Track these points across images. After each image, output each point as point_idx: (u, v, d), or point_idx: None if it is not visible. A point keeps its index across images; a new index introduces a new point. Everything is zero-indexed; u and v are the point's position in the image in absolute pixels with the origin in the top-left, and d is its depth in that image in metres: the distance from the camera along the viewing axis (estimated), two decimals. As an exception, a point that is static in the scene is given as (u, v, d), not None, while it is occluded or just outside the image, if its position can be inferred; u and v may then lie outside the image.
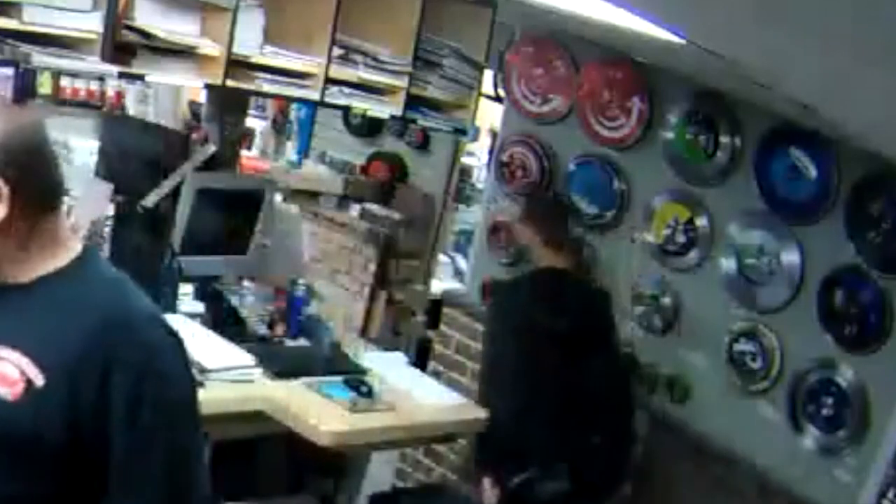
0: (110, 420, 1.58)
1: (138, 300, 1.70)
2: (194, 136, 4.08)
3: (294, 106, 6.92)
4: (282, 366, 3.40)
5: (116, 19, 2.93)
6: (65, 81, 5.60)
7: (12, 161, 1.59)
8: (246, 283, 3.92)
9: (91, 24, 2.88)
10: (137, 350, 1.61)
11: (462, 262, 6.32)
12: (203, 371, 3.12)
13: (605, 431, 3.87)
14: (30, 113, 1.93)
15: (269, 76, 3.44)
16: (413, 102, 3.94)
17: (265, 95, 4.19)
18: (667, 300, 4.23)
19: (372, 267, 5.78)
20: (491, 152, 5.34)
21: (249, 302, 3.81)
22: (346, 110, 5.03)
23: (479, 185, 6.79)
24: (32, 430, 1.57)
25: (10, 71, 5.00)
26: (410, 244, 5.93)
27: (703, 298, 4.14)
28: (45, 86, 5.62)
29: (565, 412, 3.79)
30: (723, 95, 3.99)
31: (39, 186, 1.64)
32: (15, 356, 1.59)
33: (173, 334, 1.69)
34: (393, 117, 4.00)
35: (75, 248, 1.69)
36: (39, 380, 1.57)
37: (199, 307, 3.55)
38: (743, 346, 3.99)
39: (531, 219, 4.06)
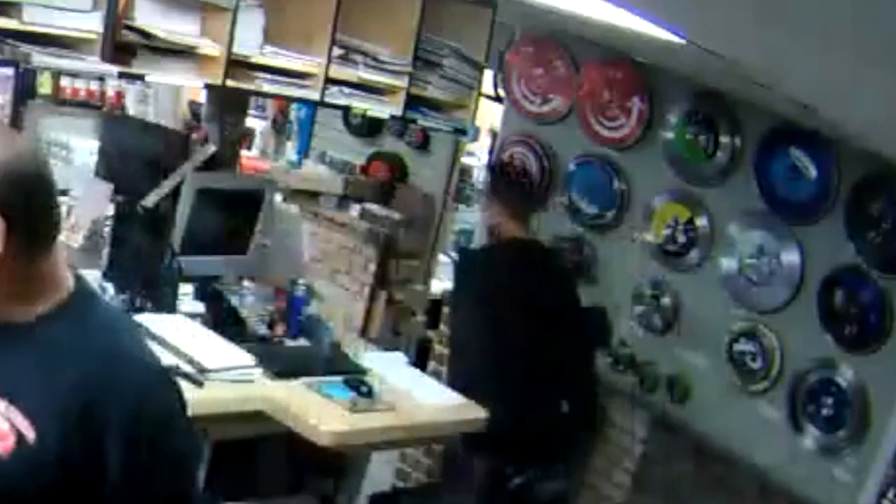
0: (107, 456, 1.51)
1: (133, 341, 1.64)
2: (194, 136, 4.08)
3: (294, 106, 6.93)
4: (282, 366, 3.39)
5: (116, 19, 2.93)
6: (65, 81, 5.60)
7: (9, 192, 1.47)
8: (246, 283, 3.92)
9: (91, 24, 2.88)
10: (132, 386, 1.55)
11: (462, 262, 6.31)
12: (203, 371, 3.12)
13: (572, 399, 3.98)
14: (27, 140, 1.77)
15: (269, 76, 3.44)
16: (413, 102, 3.94)
17: (265, 95, 4.19)
18: (667, 300, 4.23)
19: (372, 267, 5.78)
20: (491, 152, 5.34)
21: (249, 302, 3.80)
22: (346, 110, 5.03)
23: (479, 185, 6.79)
24: (26, 484, 1.50)
25: (10, 71, 5.00)
26: (410, 244, 5.93)
27: (703, 298, 4.14)
28: (45, 86, 5.62)
29: (533, 379, 3.86)
30: (723, 95, 3.99)
31: (37, 220, 1.52)
32: (3, 406, 1.50)
33: (165, 370, 1.66)
34: (393, 117, 4.00)
35: (69, 284, 1.59)
36: (30, 432, 1.49)
37: (199, 307, 3.55)
38: (743, 346, 3.99)
39: (497, 193, 4.23)
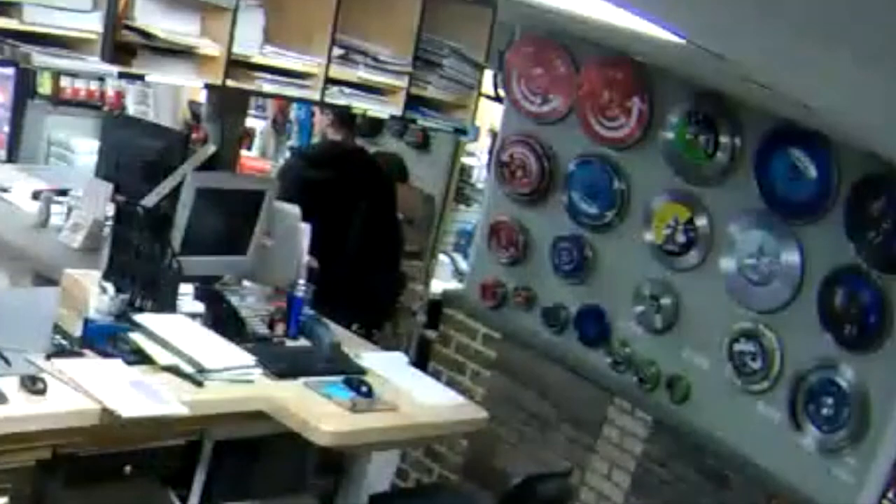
0: None
1: None
2: (194, 136, 4.09)
3: (294, 106, 6.93)
4: (282, 366, 3.40)
5: (116, 19, 2.93)
6: (65, 81, 5.62)
7: None
8: (246, 283, 3.92)
9: (91, 24, 2.88)
10: None
11: (462, 262, 6.32)
12: (203, 371, 3.12)
13: (376, 272, 4.66)
14: None
15: (269, 76, 3.44)
16: (413, 102, 3.94)
17: (265, 95, 4.19)
18: (667, 300, 4.23)
19: (372, 267, 5.77)
20: (491, 152, 5.35)
21: (249, 302, 3.81)
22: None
23: (479, 185, 6.80)
24: None
25: (10, 71, 5.01)
26: (410, 244, 5.93)
27: (703, 298, 4.13)
28: (45, 86, 5.63)
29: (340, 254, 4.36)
30: (723, 95, 3.99)
31: None
32: None
33: None
34: (393, 117, 4.00)
35: None
36: None
37: (199, 307, 3.55)
38: (743, 346, 3.99)
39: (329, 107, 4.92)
